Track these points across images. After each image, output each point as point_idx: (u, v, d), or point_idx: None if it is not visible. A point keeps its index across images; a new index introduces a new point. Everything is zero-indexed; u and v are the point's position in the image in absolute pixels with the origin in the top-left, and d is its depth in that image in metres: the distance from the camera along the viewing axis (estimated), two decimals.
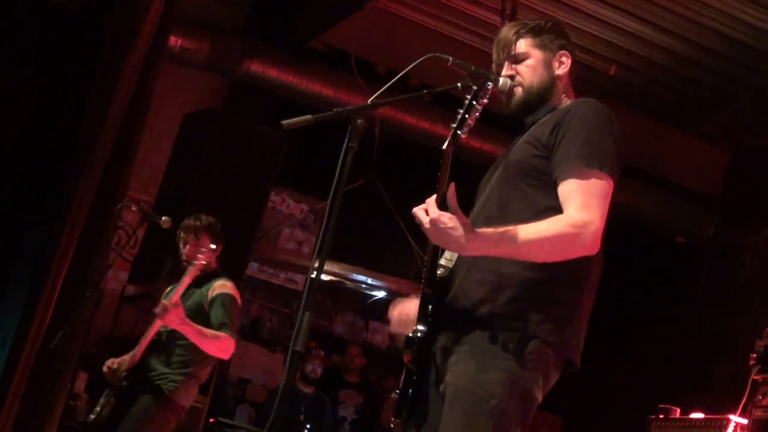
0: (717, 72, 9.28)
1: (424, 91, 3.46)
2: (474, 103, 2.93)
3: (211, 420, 7.46)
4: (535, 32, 3.23)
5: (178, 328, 5.39)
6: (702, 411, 6.91)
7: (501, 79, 3.21)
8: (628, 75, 9.55)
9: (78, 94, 7.07)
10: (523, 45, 3.21)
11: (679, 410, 6.98)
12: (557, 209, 2.94)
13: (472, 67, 3.24)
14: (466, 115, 2.92)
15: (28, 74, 7.02)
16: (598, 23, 8.66)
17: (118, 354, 8.23)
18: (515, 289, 2.92)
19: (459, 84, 3.23)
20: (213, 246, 5.67)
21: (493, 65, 3.30)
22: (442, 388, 3.01)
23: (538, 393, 2.94)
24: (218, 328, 5.47)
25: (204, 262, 5.56)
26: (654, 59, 9.27)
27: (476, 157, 9.00)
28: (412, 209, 2.91)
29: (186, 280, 5.46)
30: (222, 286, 5.64)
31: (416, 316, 3.07)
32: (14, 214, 7.64)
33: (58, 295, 6.66)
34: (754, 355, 6.13)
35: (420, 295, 3.05)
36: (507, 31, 3.27)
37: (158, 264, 6.98)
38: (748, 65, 9.04)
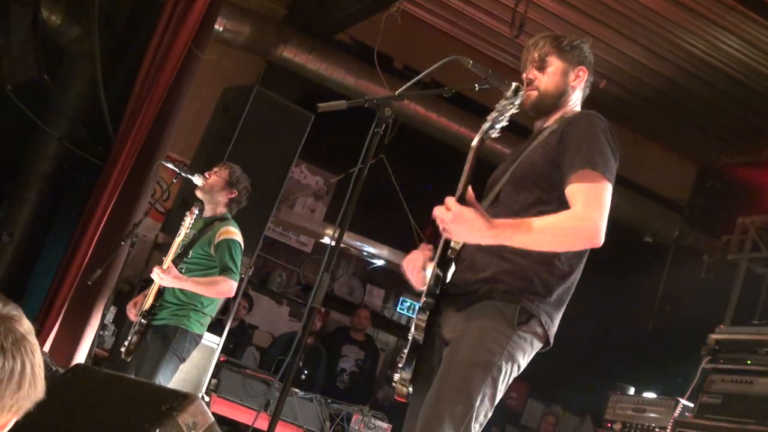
0: (694, 94, 9.36)
1: (445, 88, 3.42)
2: (511, 109, 2.80)
3: (222, 359, 7.49)
4: (561, 44, 3.20)
5: (176, 286, 5.38)
6: (654, 392, 6.95)
7: (513, 84, 3.17)
8: (615, 89, 9.60)
9: (135, 59, 7.09)
10: (547, 53, 3.17)
11: (634, 389, 7.02)
12: (546, 203, 2.94)
13: (489, 71, 3.23)
14: (501, 117, 2.80)
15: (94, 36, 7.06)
16: (594, 41, 8.63)
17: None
18: (519, 274, 2.94)
19: (476, 85, 3.22)
20: (227, 180, 5.59)
21: (521, 66, 3.24)
22: (444, 348, 3.01)
23: (523, 360, 2.97)
24: (222, 271, 5.43)
25: (204, 184, 5.52)
26: (639, 78, 9.30)
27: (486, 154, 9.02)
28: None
29: (185, 227, 5.41)
30: (227, 232, 5.57)
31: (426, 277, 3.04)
32: (68, 158, 7.66)
33: (99, 236, 6.67)
34: (706, 347, 6.15)
35: (431, 274, 2.99)
36: (537, 39, 3.22)
37: None
38: (722, 91, 9.07)
